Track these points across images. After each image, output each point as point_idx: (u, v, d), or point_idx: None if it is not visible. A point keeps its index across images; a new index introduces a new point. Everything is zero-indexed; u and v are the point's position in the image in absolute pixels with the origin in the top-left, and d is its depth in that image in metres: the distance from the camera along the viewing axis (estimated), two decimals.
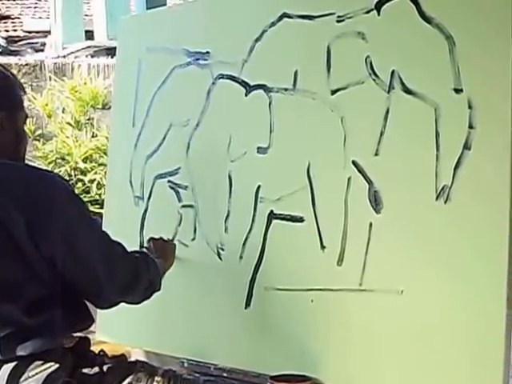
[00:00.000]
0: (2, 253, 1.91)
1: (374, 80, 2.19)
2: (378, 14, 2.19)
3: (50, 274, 1.94)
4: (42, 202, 1.93)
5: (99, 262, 2.02)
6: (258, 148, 2.48)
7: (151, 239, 2.51)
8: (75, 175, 5.66)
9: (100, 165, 5.67)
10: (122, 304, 2.16)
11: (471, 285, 1.96)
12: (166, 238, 2.54)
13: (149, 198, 2.88)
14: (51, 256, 1.93)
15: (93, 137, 5.93)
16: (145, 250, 2.42)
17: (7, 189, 1.93)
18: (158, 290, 2.27)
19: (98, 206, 5.12)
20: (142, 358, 2.56)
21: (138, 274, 2.16)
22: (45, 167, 5.35)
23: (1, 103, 2.05)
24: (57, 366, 1.92)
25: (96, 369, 2.02)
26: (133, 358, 2.38)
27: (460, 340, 1.98)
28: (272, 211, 2.43)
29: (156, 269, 2.26)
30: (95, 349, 2.15)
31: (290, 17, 2.42)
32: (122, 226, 2.90)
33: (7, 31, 12.69)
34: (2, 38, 12.20)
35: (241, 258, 2.52)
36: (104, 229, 2.23)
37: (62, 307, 1.95)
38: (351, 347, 2.21)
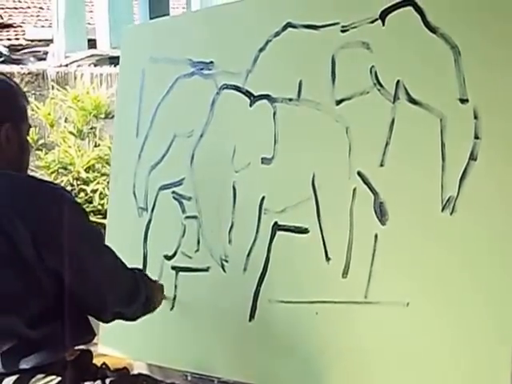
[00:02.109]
0: (7, 265, 1.91)
1: (378, 90, 2.20)
2: (383, 24, 2.21)
3: (54, 286, 1.95)
4: (47, 214, 1.94)
5: (102, 274, 2.05)
6: (263, 159, 2.50)
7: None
8: (77, 185, 5.67)
9: (103, 175, 5.67)
10: None
11: (478, 297, 1.97)
12: (153, 279, 2.47)
13: (152, 208, 2.89)
14: (55, 268, 1.94)
15: (95, 146, 5.94)
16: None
17: (12, 201, 1.94)
18: (152, 310, 2.33)
19: (100, 216, 5.13)
20: (145, 372, 2.57)
21: (138, 287, 2.20)
22: (47, 178, 5.37)
23: (5, 114, 2.07)
24: (59, 379, 1.93)
25: (98, 382, 2.03)
26: (135, 371, 2.40)
27: (466, 353, 1.99)
28: (276, 222, 2.44)
29: (152, 288, 2.32)
30: (97, 362, 2.16)
31: (294, 26, 2.44)
32: (126, 237, 2.92)
33: (9, 40, 12.74)
34: (4, 46, 12.25)
35: (245, 269, 2.53)
36: (107, 239, 2.25)
37: (65, 320, 1.96)
38: (356, 360, 2.21)
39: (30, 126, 2.19)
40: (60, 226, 1.93)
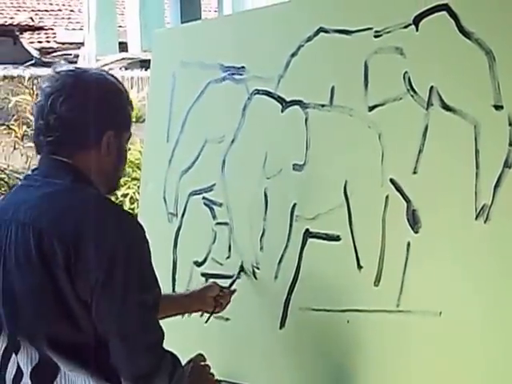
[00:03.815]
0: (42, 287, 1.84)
1: (412, 96, 2.21)
2: (417, 29, 2.22)
3: (86, 319, 1.84)
4: (102, 248, 1.82)
5: (126, 335, 1.86)
6: (294, 165, 2.51)
7: (192, 362, 2.20)
8: None
9: (133, 179, 5.72)
10: None
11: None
12: (205, 363, 2.25)
13: (183, 214, 2.91)
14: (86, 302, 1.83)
15: None
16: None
17: (74, 219, 1.84)
18: None
19: None
20: None
21: (159, 369, 1.93)
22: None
23: (110, 121, 1.97)
24: None
25: None
26: None
27: (502, 365, 1.98)
28: (308, 229, 2.45)
29: (180, 381, 2.01)
30: None
31: (326, 31, 2.46)
32: (155, 243, 2.89)
33: (40, 42, 12.89)
34: (35, 49, 12.40)
35: (276, 277, 2.54)
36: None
37: (94, 360, 1.86)
38: (388, 369, 2.22)
39: (131, 135, 2.07)
40: (109, 265, 1.82)
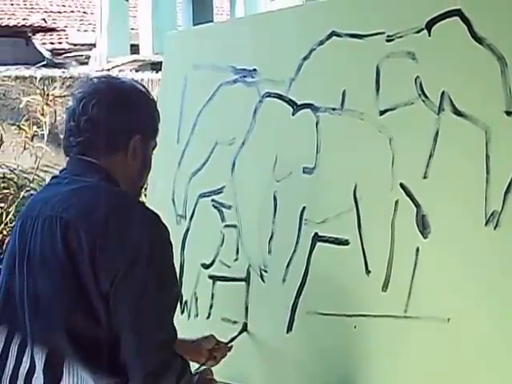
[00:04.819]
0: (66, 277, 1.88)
1: (423, 101, 2.22)
2: (429, 34, 2.22)
3: (105, 313, 1.87)
4: (132, 243, 1.87)
5: (140, 330, 1.88)
6: (304, 168, 2.52)
7: (198, 374, 2.21)
8: None
9: None
10: None
11: None
12: (211, 377, 2.26)
13: (191, 216, 2.93)
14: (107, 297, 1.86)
15: None
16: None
17: (97, 216, 1.88)
18: None
19: None
20: None
21: (168, 369, 1.94)
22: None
23: (138, 125, 2.04)
24: None
25: None
26: None
27: (511, 374, 1.98)
28: (317, 233, 2.46)
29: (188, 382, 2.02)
30: None
31: (338, 35, 2.47)
32: None
33: (52, 43, 12.95)
34: (47, 50, 12.46)
35: (284, 280, 2.55)
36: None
37: (107, 356, 1.88)
38: (394, 376, 2.22)
39: (156, 145, 2.12)
40: (131, 261, 1.86)
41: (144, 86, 2.13)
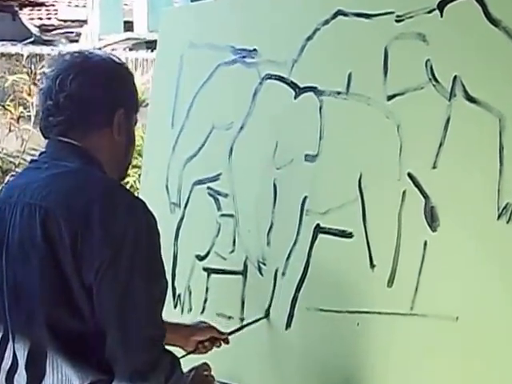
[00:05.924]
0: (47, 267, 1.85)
1: (434, 86, 2.20)
2: (441, 15, 2.21)
3: (88, 307, 1.85)
4: (108, 231, 1.83)
5: (126, 326, 1.85)
6: (306, 155, 2.51)
7: (194, 370, 2.19)
8: None
9: (134, 167, 5.73)
10: None
11: None
12: (208, 373, 2.23)
13: (186, 205, 2.93)
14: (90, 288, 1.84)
15: None
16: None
17: (86, 202, 1.84)
18: None
19: None
20: None
21: (156, 367, 1.90)
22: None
23: (121, 99, 2.03)
24: None
25: None
26: None
27: None
28: (318, 225, 2.45)
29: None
30: None
31: (345, 14, 2.45)
32: None
33: (41, 19, 12.91)
34: (35, 26, 12.42)
35: (283, 274, 2.55)
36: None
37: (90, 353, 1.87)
38: (399, 376, 2.22)
39: (137, 121, 2.13)
40: (115, 248, 1.83)
41: (119, 58, 2.12)
